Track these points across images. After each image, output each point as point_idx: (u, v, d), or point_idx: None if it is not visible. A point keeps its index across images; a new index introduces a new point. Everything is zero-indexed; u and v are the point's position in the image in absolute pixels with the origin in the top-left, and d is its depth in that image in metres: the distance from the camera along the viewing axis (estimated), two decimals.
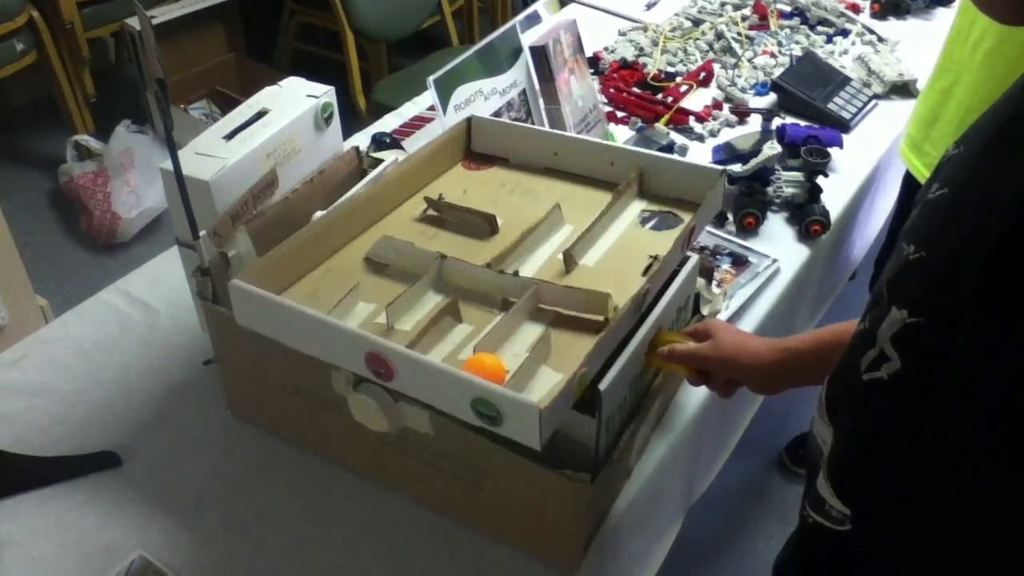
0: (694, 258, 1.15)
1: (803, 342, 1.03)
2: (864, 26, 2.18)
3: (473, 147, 1.32)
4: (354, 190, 1.19)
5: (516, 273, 1.04)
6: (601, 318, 0.99)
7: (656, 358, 1.07)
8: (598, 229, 1.13)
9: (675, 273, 1.12)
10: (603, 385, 0.95)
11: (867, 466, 0.74)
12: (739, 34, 2.11)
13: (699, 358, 1.05)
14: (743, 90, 1.93)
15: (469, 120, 1.31)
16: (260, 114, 1.21)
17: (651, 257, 1.07)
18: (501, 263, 1.07)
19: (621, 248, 1.12)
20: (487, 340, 0.95)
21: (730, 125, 1.84)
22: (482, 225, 1.15)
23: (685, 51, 2.07)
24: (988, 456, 0.65)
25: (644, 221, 1.17)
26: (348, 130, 1.43)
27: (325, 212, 1.13)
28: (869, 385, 0.71)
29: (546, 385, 0.93)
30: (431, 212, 1.19)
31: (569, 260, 1.08)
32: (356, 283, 1.04)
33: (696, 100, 1.91)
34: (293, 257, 1.07)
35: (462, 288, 1.05)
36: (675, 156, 1.22)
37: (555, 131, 1.30)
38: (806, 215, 1.55)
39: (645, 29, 2.16)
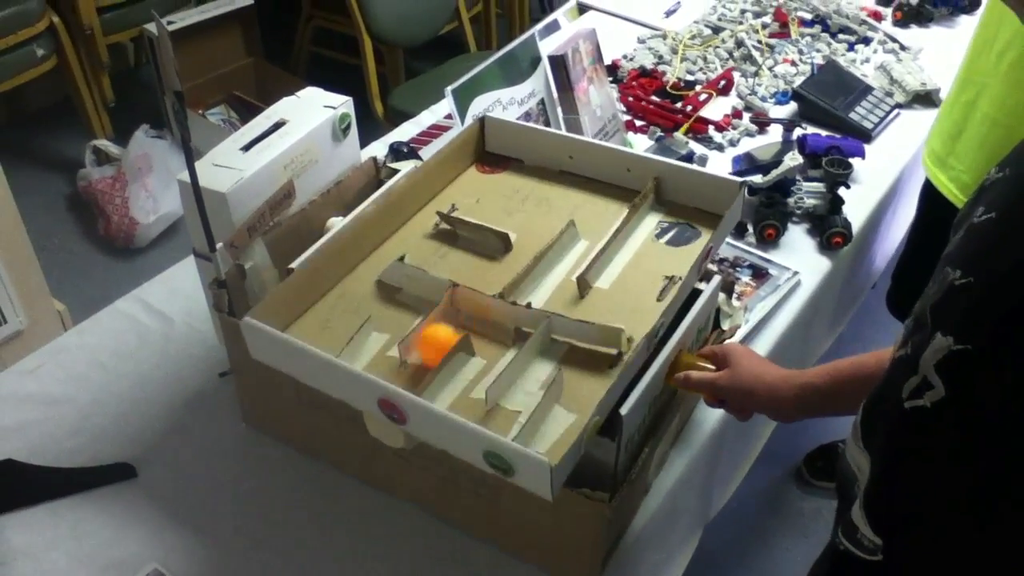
0: (715, 279, 1.13)
1: (820, 377, 1.01)
2: (886, 34, 2.15)
3: (487, 147, 1.30)
4: (367, 202, 1.18)
5: (529, 305, 1.03)
6: (615, 351, 0.98)
7: (675, 382, 1.06)
8: (613, 247, 1.12)
9: (696, 293, 1.10)
10: (624, 410, 0.94)
11: (905, 496, 0.73)
12: (759, 42, 2.09)
13: (715, 388, 1.04)
14: (763, 99, 1.91)
15: (482, 120, 1.29)
16: (278, 125, 1.20)
17: (666, 278, 1.06)
18: (514, 290, 1.05)
19: (636, 267, 1.11)
20: (500, 381, 0.94)
21: (750, 134, 1.83)
22: (496, 243, 1.13)
23: (705, 59, 2.05)
24: None
25: (661, 234, 1.15)
26: (365, 135, 1.42)
27: (337, 230, 1.11)
28: (910, 413, 0.69)
29: (559, 427, 0.93)
30: (444, 226, 1.18)
31: (583, 285, 1.06)
32: (368, 316, 1.03)
33: (716, 109, 1.89)
34: (306, 284, 1.06)
35: (474, 317, 1.04)
36: (693, 165, 1.20)
37: (570, 134, 1.28)
38: (827, 226, 1.53)
39: (664, 37, 2.14)
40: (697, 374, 1.05)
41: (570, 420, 0.93)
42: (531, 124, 1.30)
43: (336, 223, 1.16)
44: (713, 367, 1.07)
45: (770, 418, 1.07)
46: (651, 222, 1.18)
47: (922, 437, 0.69)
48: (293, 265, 1.07)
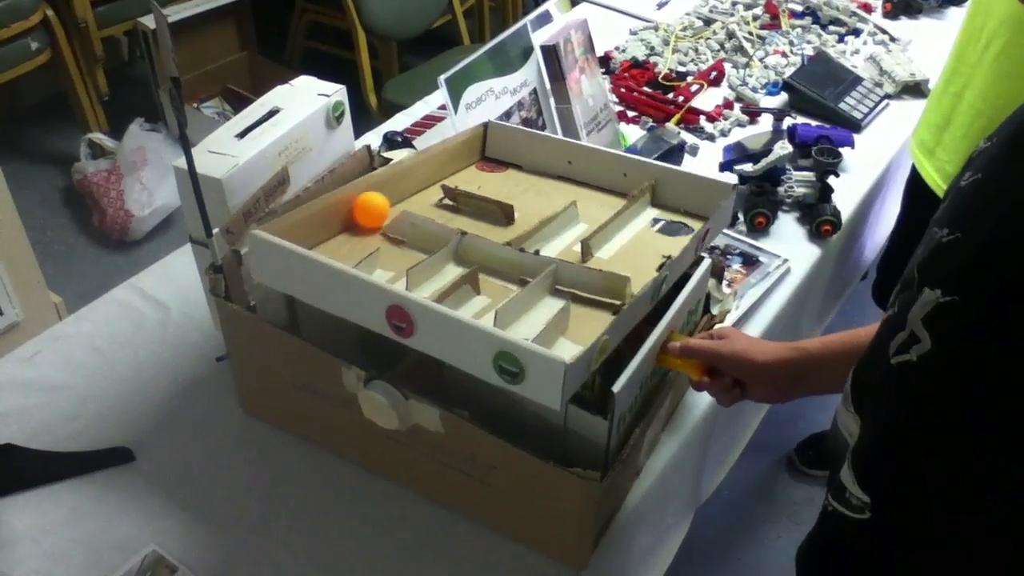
0: (706, 261, 1.15)
1: (812, 343, 1.03)
2: (876, 25, 2.17)
3: (488, 152, 1.32)
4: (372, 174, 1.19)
5: (537, 252, 1.04)
6: (619, 302, 0.99)
7: (667, 356, 1.07)
8: (613, 227, 1.13)
9: (687, 276, 1.12)
10: (616, 387, 0.95)
11: (891, 452, 0.74)
12: (750, 33, 2.10)
13: (711, 352, 1.05)
14: (754, 90, 1.93)
15: (486, 125, 1.31)
16: (272, 113, 1.22)
17: (664, 257, 1.08)
18: (522, 243, 1.07)
19: (635, 247, 1.12)
20: (506, 309, 0.94)
21: (741, 125, 1.84)
22: (499, 215, 1.15)
23: (696, 50, 2.07)
24: (1018, 444, 0.64)
25: (656, 227, 1.17)
26: (359, 128, 1.43)
27: (341, 188, 1.13)
28: (898, 368, 0.71)
29: (564, 354, 0.92)
30: (447, 201, 1.19)
31: (586, 250, 1.08)
32: (376, 248, 1.04)
33: (707, 100, 1.91)
34: (309, 224, 1.06)
35: (481, 264, 1.05)
36: (687, 169, 1.21)
37: (570, 140, 1.30)
38: (817, 215, 1.55)
39: (656, 28, 2.16)
40: (697, 341, 1.05)
41: (575, 350, 0.92)
42: (532, 130, 1.30)
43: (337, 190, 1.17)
44: None
45: (760, 394, 1.06)
46: (647, 216, 1.19)
47: (908, 392, 0.71)
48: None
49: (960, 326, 0.66)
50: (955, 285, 0.66)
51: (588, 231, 1.12)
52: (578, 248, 1.09)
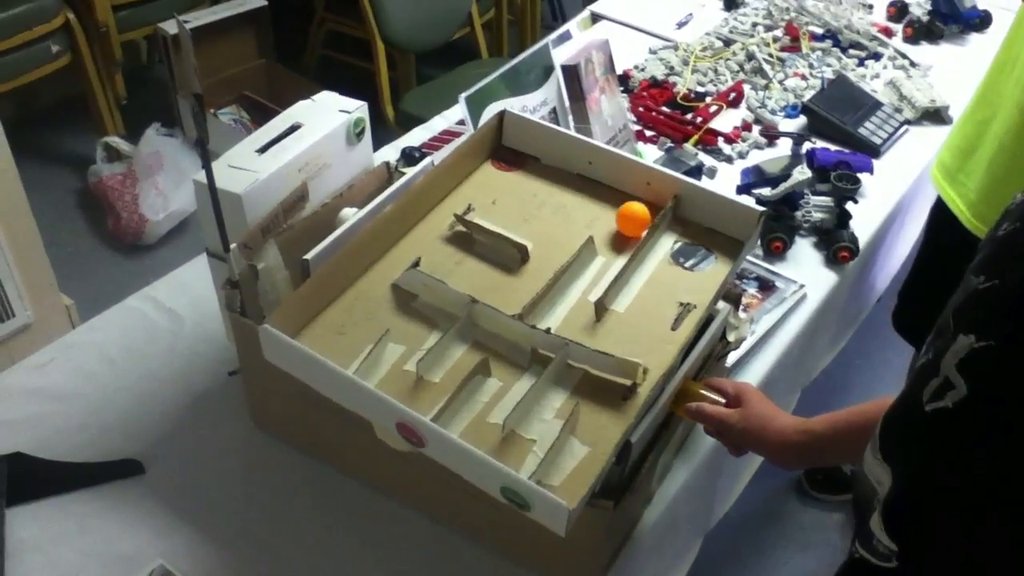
0: (724, 310, 1.13)
1: (819, 425, 1.04)
2: (896, 50, 2.16)
3: (504, 141, 1.28)
4: (384, 195, 1.18)
5: (548, 330, 1.03)
6: (629, 383, 0.99)
7: (681, 409, 1.07)
8: (630, 269, 1.12)
9: (706, 323, 1.11)
10: (634, 438, 0.95)
11: (922, 501, 0.73)
12: (770, 55, 2.10)
13: (725, 425, 1.05)
14: (773, 112, 1.92)
15: (502, 114, 1.27)
16: (293, 128, 1.21)
17: (681, 305, 1.07)
18: (532, 310, 1.05)
19: (651, 290, 1.11)
20: (519, 410, 0.95)
21: (759, 147, 1.84)
22: (512, 253, 1.13)
23: (715, 71, 2.06)
24: None
25: (676, 255, 1.15)
26: (376, 139, 1.42)
27: (351, 227, 1.12)
28: (933, 416, 0.70)
29: (573, 460, 0.94)
30: (460, 228, 1.18)
31: (600, 308, 1.07)
32: (386, 330, 1.03)
33: (726, 121, 1.90)
34: (322, 284, 1.06)
35: (491, 334, 1.04)
36: (713, 188, 1.20)
37: (590, 140, 1.26)
38: (834, 241, 1.54)
39: (676, 48, 2.15)
40: (710, 408, 1.06)
41: (584, 452, 0.94)
42: (550, 124, 1.29)
43: (348, 215, 1.17)
44: (720, 398, 1.08)
45: (772, 462, 1.08)
46: (667, 242, 1.17)
47: (944, 440, 0.70)
48: (309, 256, 1.07)
49: (996, 370, 0.65)
50: (990, 330, 0.65)
51: (604, 269, 1.11)
52: (594, 298, 1.07)
